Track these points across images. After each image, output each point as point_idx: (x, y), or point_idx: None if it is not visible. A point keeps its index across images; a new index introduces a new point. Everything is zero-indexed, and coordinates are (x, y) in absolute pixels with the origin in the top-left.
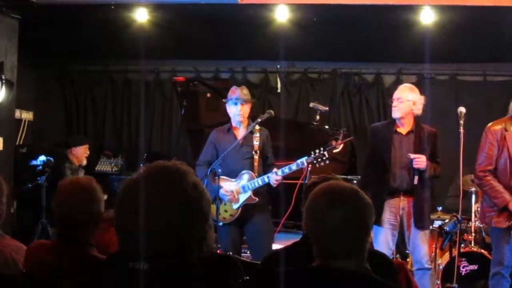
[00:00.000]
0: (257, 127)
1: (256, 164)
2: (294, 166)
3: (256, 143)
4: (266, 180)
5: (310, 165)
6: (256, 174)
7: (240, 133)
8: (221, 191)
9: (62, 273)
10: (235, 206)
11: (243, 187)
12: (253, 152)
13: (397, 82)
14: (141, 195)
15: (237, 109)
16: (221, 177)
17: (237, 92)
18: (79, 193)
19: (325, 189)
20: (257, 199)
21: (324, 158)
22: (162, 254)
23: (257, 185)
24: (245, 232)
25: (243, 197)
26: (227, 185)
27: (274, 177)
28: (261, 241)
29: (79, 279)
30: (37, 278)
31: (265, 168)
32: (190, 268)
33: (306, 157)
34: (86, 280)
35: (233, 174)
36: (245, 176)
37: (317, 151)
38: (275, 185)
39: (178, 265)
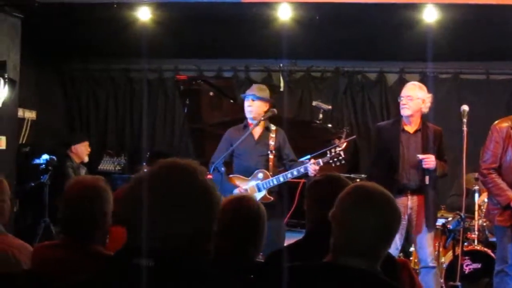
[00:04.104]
0: (273, 127)
1: (271, 163)
2: (321, 162)
3: (271, 142)
4: (281, 180)
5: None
6: (270, 173)
7: (256, 131)
8: (236, 191)
9: (68, 269)
10: None
11: (258, 186)
12: (269, 152)
13: (400, 81)
14: (156, 192)
15: (247, 104)
16: (235, 175)
17: (253, 88)
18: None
19: (361, 189)
20: (272, 198)
21: (340, 158)
22: (174, 251)
23: (272, 184)
24: None
25: (258, 196)
26: (242, 184)
27: (313, 166)
28: (272, 239)
29: (84, 275)
30: (43, 275)
31: (288, 165)
32: (198, 266)
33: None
34: (91, 277)
35: (248, 170)
36: (260, 175)
37: (333, 151)
38: (313, 174)
39: (187, 262)
